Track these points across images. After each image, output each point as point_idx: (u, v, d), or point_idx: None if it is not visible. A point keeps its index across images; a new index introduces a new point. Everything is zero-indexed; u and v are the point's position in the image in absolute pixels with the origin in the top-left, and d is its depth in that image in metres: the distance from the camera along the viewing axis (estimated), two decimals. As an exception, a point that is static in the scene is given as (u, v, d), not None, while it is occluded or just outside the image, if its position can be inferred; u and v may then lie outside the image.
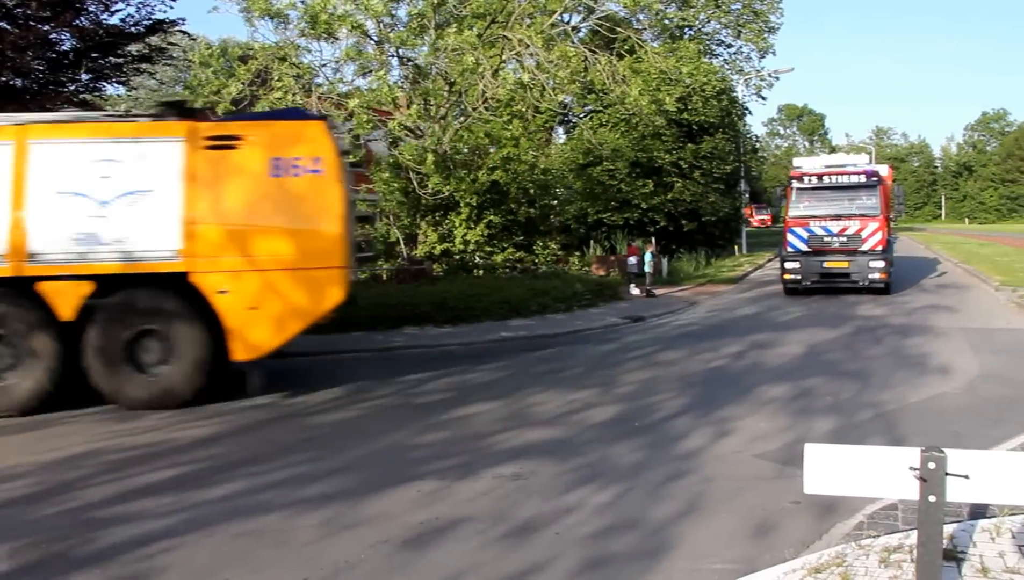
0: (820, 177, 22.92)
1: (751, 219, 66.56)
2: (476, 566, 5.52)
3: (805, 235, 22.39)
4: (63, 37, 18.80)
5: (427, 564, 5.59)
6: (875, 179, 22.34)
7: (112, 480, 7.64)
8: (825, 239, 22.21)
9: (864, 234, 21.74)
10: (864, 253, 21.77)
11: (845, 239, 21.96)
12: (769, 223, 70.01)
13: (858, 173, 22.75)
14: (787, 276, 22.79)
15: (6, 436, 9.54)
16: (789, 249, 22.74)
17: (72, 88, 20.10)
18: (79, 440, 9.20)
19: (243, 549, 5.94)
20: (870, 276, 21.65)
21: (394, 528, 6.24)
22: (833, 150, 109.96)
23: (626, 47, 26.27)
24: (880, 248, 21.67)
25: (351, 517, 6.52)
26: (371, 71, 17.41)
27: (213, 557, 5.80)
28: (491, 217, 20.27)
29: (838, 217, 22.19)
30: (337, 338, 15.89)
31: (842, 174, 22.84)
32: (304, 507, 6.76)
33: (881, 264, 21.57)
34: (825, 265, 22.19)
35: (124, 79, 24.22)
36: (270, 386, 11.30)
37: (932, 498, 3.92)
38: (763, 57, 45.14)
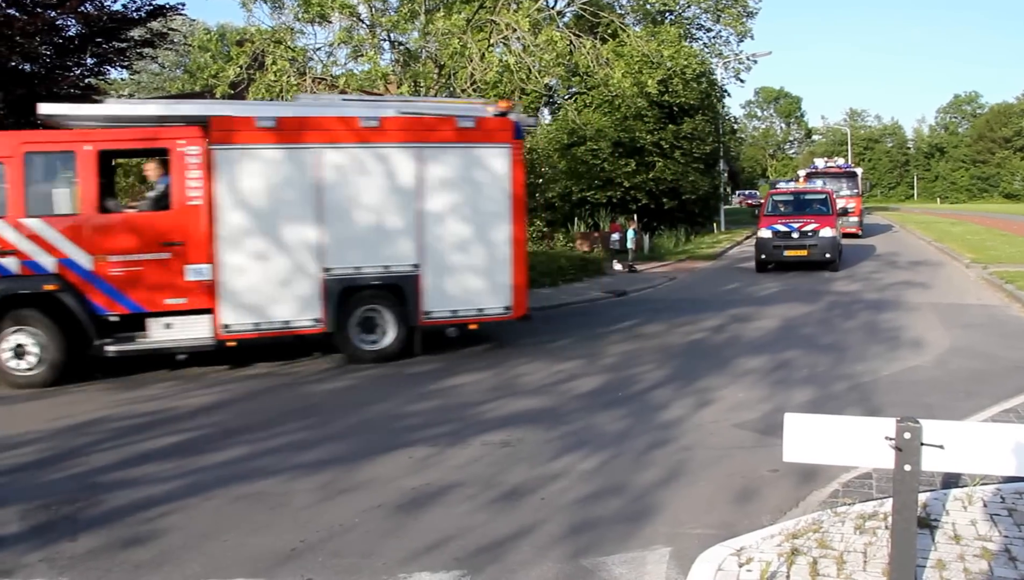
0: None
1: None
2: (466, 530, 5.68)
3: None
4: (69, 23, 19.13)
5: (419, 527, 5.74)
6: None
7: (117, 446, 7.81)
8: None
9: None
10: None
11: None
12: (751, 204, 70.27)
13: None
14: None
15: (19, 404, 9.72)
16: None
17: (78, 72, 20.41)
18: (87, 408, 9.35)
19: (241, 512, 6.11)
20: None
21: (387, 493, 6.41)
22: (809, 134, 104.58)
23: (609, 31, 26.33)
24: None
25: (345, 482, 6.69)
26: (363, 54, 17.49)
27: (213, 520, 5.97)
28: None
29: None
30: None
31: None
32: (300, 472, 6.92)
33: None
34: None
35: (127, 63, 24.54)
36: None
37: (907, 467, 3.96)
38: (741, 41, 44.94)
